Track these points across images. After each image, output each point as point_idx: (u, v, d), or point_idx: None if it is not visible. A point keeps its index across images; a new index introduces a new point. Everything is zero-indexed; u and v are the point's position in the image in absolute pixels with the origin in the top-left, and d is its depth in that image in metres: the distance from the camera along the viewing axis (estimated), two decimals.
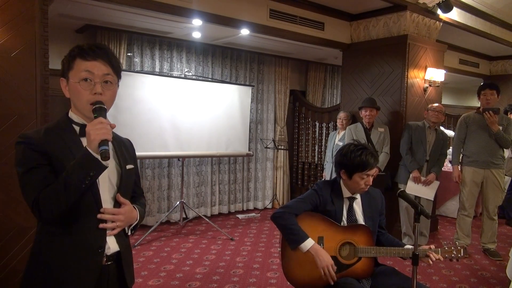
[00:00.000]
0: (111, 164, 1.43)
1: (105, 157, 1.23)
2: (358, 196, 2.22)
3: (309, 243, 2.03)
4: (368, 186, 2.14)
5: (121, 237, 1.45)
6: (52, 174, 1.28)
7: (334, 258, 2.08)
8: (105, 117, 1.31)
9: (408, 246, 2.09)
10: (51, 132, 1.35)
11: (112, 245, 1.41)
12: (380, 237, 2.25)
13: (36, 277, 1.35)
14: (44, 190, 1.25)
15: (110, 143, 1.44)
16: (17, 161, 1.30)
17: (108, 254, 1.40)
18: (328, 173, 5.04)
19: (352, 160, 2.09)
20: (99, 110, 1.31)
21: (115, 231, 1.39)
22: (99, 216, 1.35)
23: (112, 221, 1.38)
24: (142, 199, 1.66)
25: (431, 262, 1.99)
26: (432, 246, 2.03)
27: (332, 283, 2.02)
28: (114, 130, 1.36)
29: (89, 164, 1.23)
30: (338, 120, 5.07)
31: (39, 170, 1.28)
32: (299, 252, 2.06)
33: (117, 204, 1.42)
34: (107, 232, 1.38)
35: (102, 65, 1.35)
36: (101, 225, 1.35)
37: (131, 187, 1.55)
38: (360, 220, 2.19)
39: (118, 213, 1.39)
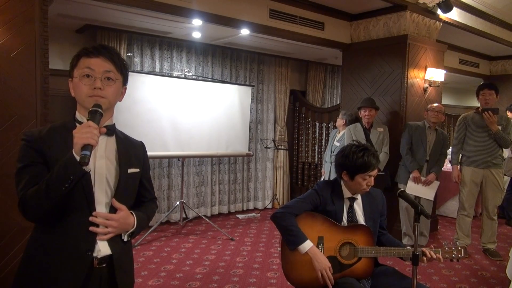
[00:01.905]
0: (111, 166, 1.41)
1: (84, 162, 1.19)
2: (358, 196, 2.22)
3: (307, 245, 2.02)
4: (370, 187, 2.14)
5: (115, 241, 1.41)
6: (45, 173, 1.28)
7: (334, 258, 2.08)
8: (97, 121, 1.28)
9: (409, 248, 2.10)
10: (54, 131, 1.35)
11: (103, 248, 1.37)
12: (380, 238, 2.25)
13: (26, 273, 1.36)
14: (30, 190, 1.26)
15: (114, 144, 1.44)
16: (18, 157, 1.32)
17: (99, 257, 1.36)
18: (327, 173, 5.03)
19: (354, 161, 2.09)
20: (94, 113, 1.29)
21: (106, 237, 1.36)
22: (90, 219, 1.33)
23: (105, 226, 1.36)
24: (152, 205, 1.62)
25: (425, 260, 1.98)
26: (433, 247, 2.02)
27: (331, 287, 2.02)
28: (121, 129, 1.37)
29: (71, 167, 1.21)
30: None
31: (32, 168, 1.28)
32: (299, 253, 2.07)
33: (113, 207, 1.40)
34: (98, 236, 1.36)
35: (103, 62, 1.36)
36: (91, 228, 1.34)
37: (132, 192, 1.51)
38: (361, 220, 2.18)
39: (111, 219, 1.36)
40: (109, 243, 1.38)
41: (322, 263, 2.00)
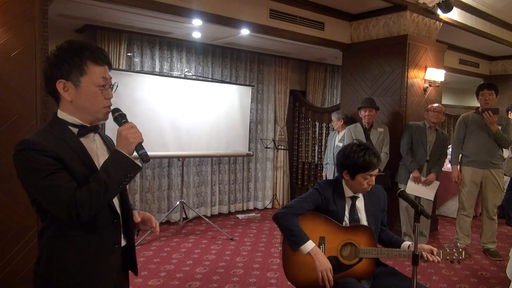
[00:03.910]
0: None
1: (147, 159, 1.33)
2: (360, 195, 2.22)
3: (309, 246, 2.02)
4: (371, 186, 2.14)
5: (127, 232, 1.50)
6: (69, 177, 1.27)
7: (335, 258, 2.08)
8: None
9: (408, 243, 2.11)
10: (52, 137, 1.31)
11: (122, 240, 1.46)
12: (380, 234, 2.26)
13: (54, 274, 1.32)
14: (79, 192, 1.24)
15: (101, 140, 1.48)
16: (29, 169, 1.24)
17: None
18: (330, 174, 5.03)
19: (355, 160, 2.08)
20: (124, 116, 1.38)
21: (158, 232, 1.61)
22: (157, 229, 1.55)
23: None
24: None
25: (425, 257, 1.98)
26: (435, 250, 2.02)
27: (329, 287, 2.02)
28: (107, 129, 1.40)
29: (128, 166, 1.30)
30: (333, 123, 5.13)
31: (61, 174, 1.25)
32: (301, 253, 2.07)
33: (122, 199, 1.49)
34: (155, 229, 1.55)
35: (108, 70, 1.39)
36: (156, 230, 1.55)
37: None
38: (363, 218, 2.19)
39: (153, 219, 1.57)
40: (125, 235, 1.47)
41: (323, 264, 2.00)
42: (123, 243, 1.47)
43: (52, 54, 1.35)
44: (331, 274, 2.00)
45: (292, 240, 2.05)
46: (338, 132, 5.08)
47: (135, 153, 1.35)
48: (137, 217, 1.53)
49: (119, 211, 1.44)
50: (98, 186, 1.24)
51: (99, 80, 1.34)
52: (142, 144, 1.35)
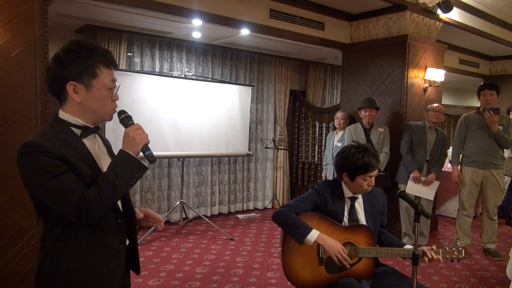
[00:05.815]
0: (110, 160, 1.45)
1: (153, 160, 1.35)
2: (359, 195, 2.22)
3: (315, 234, 2.02)
4: (371, 187, 2.14)
5: (130, 231, 1.50)
6: (75, 177, 1.26)
7: None
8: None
9: (409, 246, 2.09)
10: (55, 138, 1.29)
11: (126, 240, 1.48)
12: (380, 236, 2.26)
13: (62, 277, 1.31)
14: (89, 192, 1.23)
15: (101, 141, 1.49)
16: (36, 171, 1.22)
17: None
18: (330, 175, 5.02)
19: (354, 163, 2.08)
20: (130, 118, 1.40)
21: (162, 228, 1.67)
22: (160, 225, 1.61)
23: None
24: None
25: (426, 260, 1.98)
26: (434, 247, 2.03)
27: (348, 267, 2.02)
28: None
29: (135, 166, 1.31)
30: (335, 120, 5.08)
31: (68, 176, 1.24)
32: (300, 252, 2.06)
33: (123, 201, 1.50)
34: (160, 225, 1.62)
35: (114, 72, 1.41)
36: (161, 225, 1.62)
37: None
38: (362, 219, 2.18)
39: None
40: (128, 234, 1.47)
41: (334, 247, 2.00)
42: (126, 242, 1.47)
43: (62, 55, 1.31)
44: (345, 253, 2.00)
45: (296, 232, 2.04)
46: (337, 132, 5.07)
47: (140, 154, 1.35)
48: (139, 213, 1.55)
49: (121, 210, 1.45)
50: (107, 186, 1.24)
51: (109, 83, 1.36)
52: (148, 145, 1.36)
